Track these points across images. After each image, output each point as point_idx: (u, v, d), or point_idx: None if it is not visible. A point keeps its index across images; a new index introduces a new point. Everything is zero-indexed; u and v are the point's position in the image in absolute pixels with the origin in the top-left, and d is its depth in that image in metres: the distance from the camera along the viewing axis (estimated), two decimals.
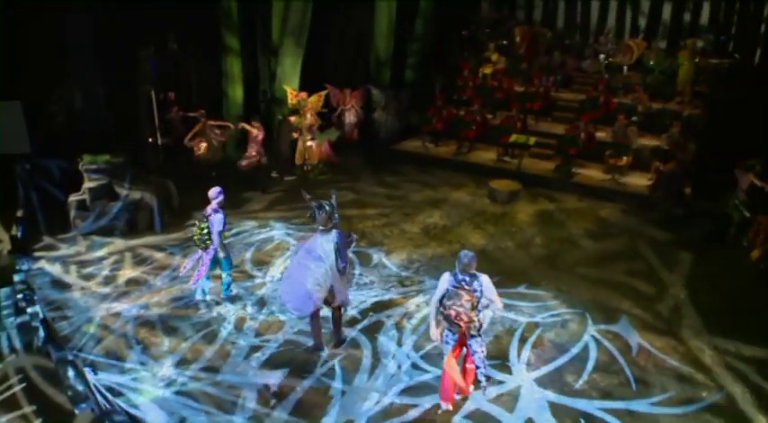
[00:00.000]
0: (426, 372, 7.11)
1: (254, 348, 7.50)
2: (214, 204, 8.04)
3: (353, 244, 7.88)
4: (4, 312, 8.21)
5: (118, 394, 6.64)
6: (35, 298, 8.19)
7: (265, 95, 15.60)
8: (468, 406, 6.54)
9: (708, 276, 9.60)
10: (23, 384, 6.76)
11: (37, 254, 9.86)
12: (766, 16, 16.22)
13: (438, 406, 6.47)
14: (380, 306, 8.43)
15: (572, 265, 9.94)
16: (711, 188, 11.89)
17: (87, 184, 10.40)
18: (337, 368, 7.14)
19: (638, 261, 10.14)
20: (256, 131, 12.70)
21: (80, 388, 6.49)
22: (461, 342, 6.07)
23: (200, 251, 8.23)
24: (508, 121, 14.99)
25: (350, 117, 16.21)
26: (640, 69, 16.39)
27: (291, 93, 14.02)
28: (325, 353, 7.39)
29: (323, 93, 14.49)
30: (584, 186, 13.24)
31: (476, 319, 5.89)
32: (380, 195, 13.10)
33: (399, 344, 7.65)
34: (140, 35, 12.99)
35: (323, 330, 7.47)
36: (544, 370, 7.20)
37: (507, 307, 8.19)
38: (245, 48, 14.45)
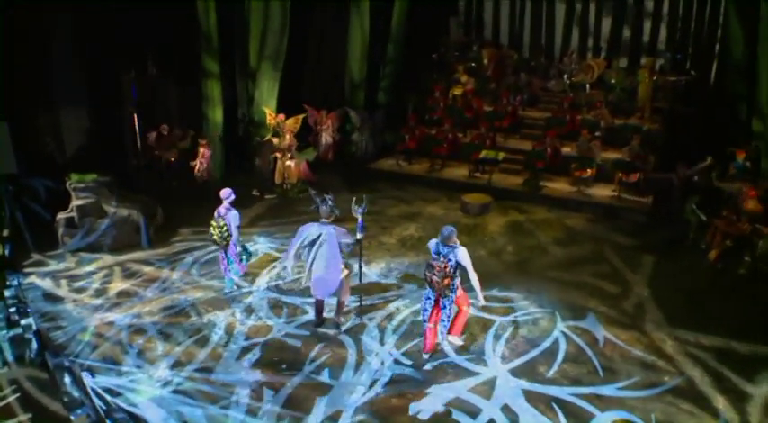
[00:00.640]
0: (407, 366, 7.59)
1: (245, 350, 7.90)
2: (226, 203, 9.01)
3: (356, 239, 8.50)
4: None
5: (116, 395, 6.98)
6: (28, 310, 8.51)
7: (244, 118, 16.09)
8: (448, 395, 7.03)
9: (669, 276, 10.25)
10: (17, 394, 7.04)
11: (26, 270, 10.14)
12: (720, 37, 17.15)
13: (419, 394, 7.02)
14: (363, 311, 8.87)
15: (541, 270, 10.51)
16: (671, 196, 12.62)
17: (75, 202, 10.73)
18: (325, 366, 7.58)
19: (603, 264, 10.76)
20: (203, 149, 13.67)
21: (76, 394, 6.85)
22: (437, 301, 7.47)
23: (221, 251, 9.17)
24: (478, 139, 15.66)
25: (326, 138, 16.73)
26: (602, 87, 17.24)
27: (271, 114, 14.57)
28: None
29: (300, 116, 15.05)
30: (552, 198, 13.89)
31: (450, 284, 7.21)
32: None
33: (382, 343, 8.12)
34: (123, 59, 13.43)
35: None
36: (517, 362, 7.72)
37: (481, 308, 8.73)
38: (224, 72, 14.94)
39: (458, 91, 18.50)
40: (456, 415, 6.69)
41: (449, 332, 7.75)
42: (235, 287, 9.49)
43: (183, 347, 7.94)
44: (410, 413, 6.73)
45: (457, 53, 20.50)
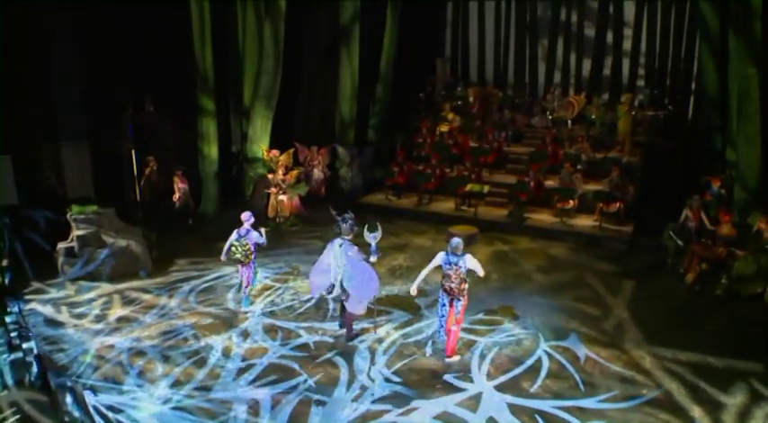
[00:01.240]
0: (397, 384, 7.93)
1: (242, 370, 8.22)
2: (247, 225, 9.83)
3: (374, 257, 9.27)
4: None
5: (118, 411, 7.28)
6: (30, 334, 8.78)
7: (238, 155, 16.62)
8: (436, 409, 7.37)
9: (648, 299, 10.69)
10: (17, 416, 7.29)
11: (27, 297, 10.45)
12: (695, 74, 17.95)
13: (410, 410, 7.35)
14: (354, 334, 9.23)
15: (525, 295, 10.90)
16: (651, 225, 13.18)
17: (76, 232, 11.11)
18: (318, 383, 7.90)
19: (585, 289, 11.18)
20: (177, 179, 14.44)
21: (76, 414, 7.12)
22: (451, 303, 8.31)
23: (242, 267, 9.99)
24: (464, 174, 16.21)
25: (317, 173, 17.25)
26: (584, 122, 17.93)
27: (265, 151, 15.14)
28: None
29: (291, 151, 15.65)
30: (536, 229, 14.38)
31: (463, 288, 8.18)
32: None
33: (372, 363, 8.47)
34: (122, 96, 13.99)
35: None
36: (502, 379, 8.08)
37: (467, 330, 9.21)
38: (219, 110, 15.52)
39: (444, 128, 19.10)
40: None
41: (447, 354, 8.54)
42: (251, 305, 10.19)
43: (181, 368, 8.25)
44: None
45: (443, 92, 21.21)
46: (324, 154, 17.33)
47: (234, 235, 9.82)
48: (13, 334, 8.68)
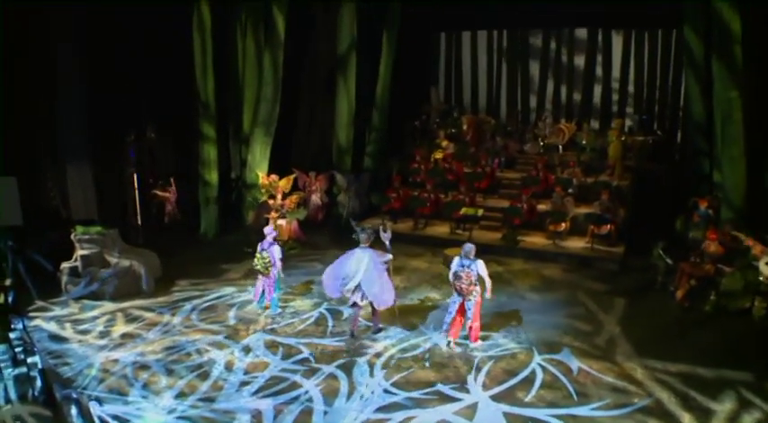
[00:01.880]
0: (396, 394, 8.15)
1: (244, 383, 8.43)
2: (269, 238, 10.60)
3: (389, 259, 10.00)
4: (2, 365, 8.87)
5: (124, 421, 7.48)
6: (35, 349, 8.95)
7: (237, 180, 16.95)
8: (433, 418, 7.60)
9: (639, 315, 10.97)
10: None
11: (31, 314, 10.64)
12: (683, 100, 18.50)
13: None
14: (353, 349, 9.49)
15: (519, 313, 11.14)
16: (642, 246, 13.51)
17: (79, 252, 11.35)
18: (319, 395, 8.11)
19: (577, 307, 11.44)
20: (169, 194, 15.01)
21: None
22: (463, 305, 9.32)
23: (262, 277, 10.72)
24: (459, 199, 16.56)
25: (315, 199, 17.58)
26: (575, 148, 18.37)
27: (264, 177, 15.49)
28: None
29: (291, 176, 16.01)
30: (529, 251, 14.68)
31: (473, 289, 9.16)
32: None
33: (372, 375, 8.69)
34: (125, 121, 14.39)
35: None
36: (498, 389, 8.31)
37: (461, 346, 9.53)
38: (219, 136, 15.90)
39: (439, 155, 19.49)
40: None
41: (472, 341, 9.61)
42: (279, 309, 10.95)
43: (185, 381, 8.45)
44: None
45: (438, 120, 21.70)
46: (322, 180, 17.69)
47: (258, 247, 10.65)
48: (18, 349, 8.88)
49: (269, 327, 10.32)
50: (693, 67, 14.90)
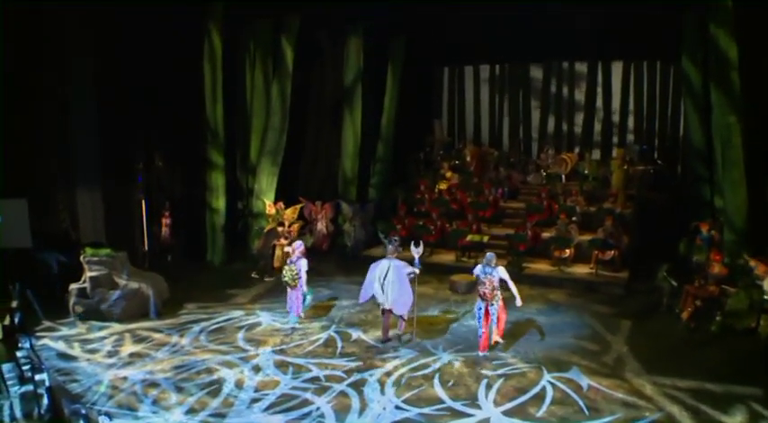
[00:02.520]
0: (407, 411, 8.16)
1: (255, 400, 8.44)
2: (297, 253, 11.30)
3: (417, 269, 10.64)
4: (9, 383, 8.87)
5: None
6: (42, 367, 8.95)
7: (244, 209, 17.11)
8: None
9: (646, 335, 11.02)
10: None
11: (39, 334, 10.70)
12: (683, 130, 18.79)
13: None
14: (363, 368, 9.53)
15: (527, 335, 11.20)
16: (645, 271, 13.63)
17: (88, 274, 11.43)
18: (331, 411, 8.12)
19: (584, 329, 11.48)
20: (164, 220, 15.38)
21: None
22: (486, 307, 10.02)
23: (290, 290, 11.37)
24: (464, 226, 16.68)
25: (321, 227, 17.71)
26: (577, 178, 18.57)
27: (270, 205, 15.69)
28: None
29: (298, 206, 16.23)
30: (535, 277, 14.73)
31: (495, 294, 9.99)
32: (353, 291, 14.08)
33: (382, 393, 8.71)
34: (135, 148, 14.63)
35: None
36: (509, 405, 8.33)
37: (470, 363, 9.58)
38: (227, 164, 16.13)
39: (443, 185, 19.66)
40: None
41: (499, 335, 10.45)
42: (297, 323, 11.44)
43: (195, 398, 8.46)
44: None
45: (442, 151, 21.94)
46: (328, 209, 17.84)
47: (287, 260, 11.48)
48: (25, 367, 8.88)
49: (278, 347, 10.34)
50: (692, 96, 15.20)
